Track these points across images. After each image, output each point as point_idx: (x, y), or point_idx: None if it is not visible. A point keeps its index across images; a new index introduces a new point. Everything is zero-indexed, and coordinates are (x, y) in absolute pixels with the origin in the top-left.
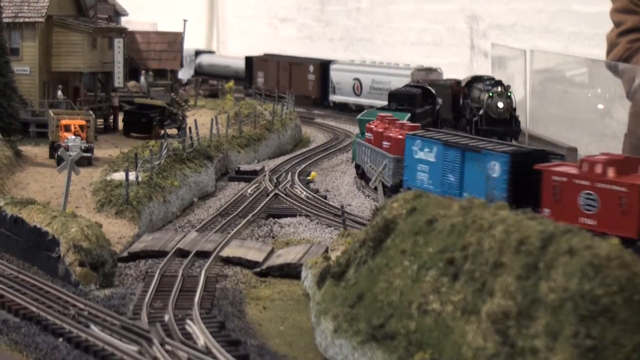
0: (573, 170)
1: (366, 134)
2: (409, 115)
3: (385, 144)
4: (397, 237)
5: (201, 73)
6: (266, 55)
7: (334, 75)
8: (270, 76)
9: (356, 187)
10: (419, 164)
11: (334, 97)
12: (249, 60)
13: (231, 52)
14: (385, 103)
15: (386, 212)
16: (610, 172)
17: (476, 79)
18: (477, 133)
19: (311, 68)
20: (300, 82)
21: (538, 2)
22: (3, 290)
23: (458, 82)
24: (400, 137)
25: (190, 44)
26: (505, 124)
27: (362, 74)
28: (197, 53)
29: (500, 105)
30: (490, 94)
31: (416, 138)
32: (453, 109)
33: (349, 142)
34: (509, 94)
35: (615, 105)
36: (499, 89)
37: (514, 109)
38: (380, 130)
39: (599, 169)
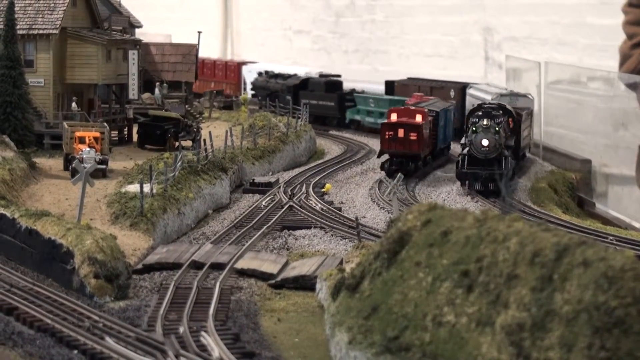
0: None
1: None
2: None
3: None
4: (412, 248)
5: None
6: (409, 79)
7: (468, 99)
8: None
9: (371, 199)
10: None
11: None
12: (389, 84)
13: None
14: None
15: (401, 224)
16: None
17: (479, 108)
18: (459, 177)
19: (452, 92)
20: None
21: (552, 14)
22: (18, 302)
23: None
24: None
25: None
26: (490, 165)
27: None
28: (322, 75)
29: (485, 142)
30: (474, 129)
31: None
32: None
33: (363, 154)
34: (498, 128)
35: (629, 117)
36: (486, 122)
37: (506, 146)
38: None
39: None
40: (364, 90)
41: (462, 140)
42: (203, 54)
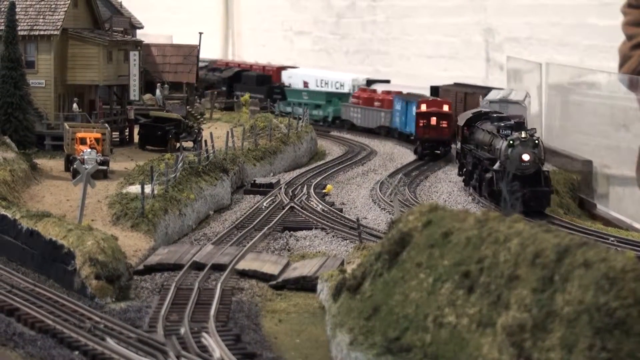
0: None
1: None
2: None
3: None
4: (413, 249)
5: None
6: (456, 84)
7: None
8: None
9: (372, 200)
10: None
11: None
12: (434, 90)
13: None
14: None
15: (402, 225)
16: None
17: (481, 116)
18: (492, 196)
19: (481, 98)
20: None
21: (553, 15)
22: (19, 303)
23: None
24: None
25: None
26: (531, 182)
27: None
28: (370, 82)
29: (526, 157)
30: (512, 142)
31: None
32: (457, 155)
33: (364, 155)
34: (537, 140)
35: (630, 118)
36: (523, 134)
37: (543, 161)
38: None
39: None
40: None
41: (457, 147)
42: (239, 58)
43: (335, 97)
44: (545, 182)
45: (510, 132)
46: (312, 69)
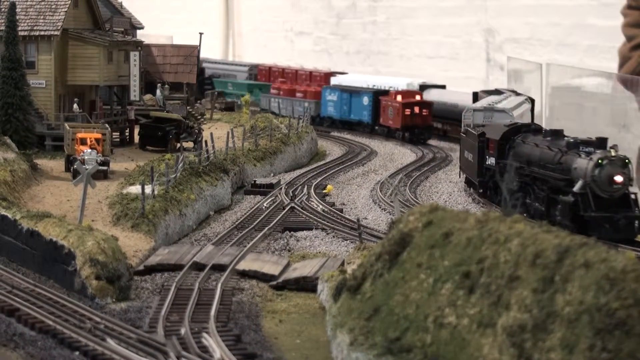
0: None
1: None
2: None
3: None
4: (413, 250)
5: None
6: (497, 90)
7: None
8: None
9: (372, 200)
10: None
11: None
12: (475, 94)
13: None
14: None
15: (402, 226)
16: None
17: (521, 129)
18: (576, 222)
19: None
20: None
21: (554, 15)
22: (19, 303)
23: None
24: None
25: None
26: (619, 206)
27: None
28: (423, 87)
29: (619, 179)
30: (600, 161)
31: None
32: (479, 172)
33: (364, 155)
34: (626, 159)
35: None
36: (613, 152)
37: (631, 182)
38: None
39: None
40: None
41: (486, 162)
42: (275, 61)
43: (256, 88)
44: (635, 205)
45: (592, 149)
46: (362, 74)
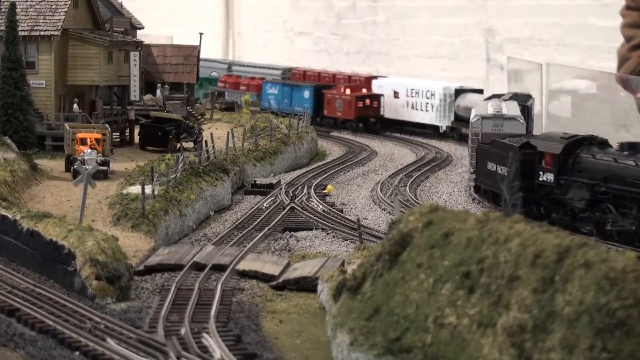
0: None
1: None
2: None
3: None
4: (414, 250)
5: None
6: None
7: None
8: None
9: (372, 200)
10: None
11: None
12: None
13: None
14: None
15: (402, 226)
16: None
17: (583, 142)
18: None
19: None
20: None
21: (554, 16)
22: (20, 303)
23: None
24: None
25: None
26: None
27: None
28: (459, 92)
29: None
30: None
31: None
32: (522, 188)
33: (365, 156)
34: None
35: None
36: None
37: None
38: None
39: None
40: None
41: (545, 179)
42: (308, 65)
43: (205, 81)
44: None
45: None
46: (402, 77)
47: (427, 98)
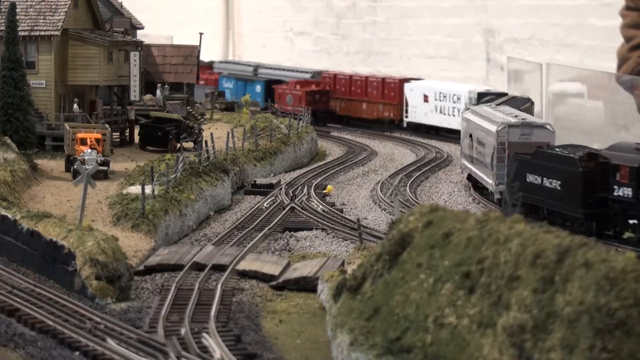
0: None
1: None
2: None
3: None
4: (414, 250)
5: None
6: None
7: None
8: None
9: (372, 200)
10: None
11: None
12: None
13: None
14: None
15: (402, 226)
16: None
17: None
18: None
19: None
20: None
21: (554, 16)
22: (20, 303)
23: (592, 155)
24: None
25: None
26: None
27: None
28: (482, 95)
29: None
30: None
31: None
32: (586, 203)
33: (365, 156)
34: None
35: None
36: None
37: None
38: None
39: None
40: None
41: (621, 194)
42: (337, 68)
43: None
44: None
45: None
46: (433, 80)
47: (454, 102)
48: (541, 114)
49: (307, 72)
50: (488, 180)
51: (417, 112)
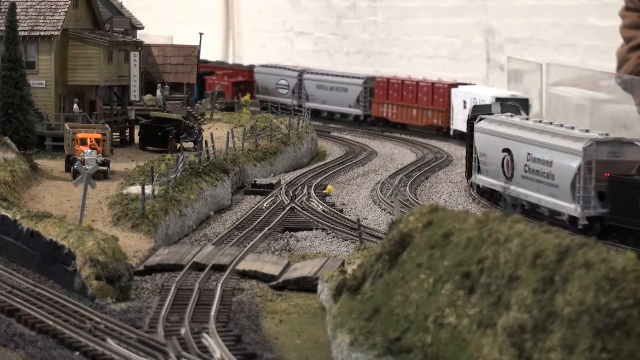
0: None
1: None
2: None
3: None
4: (414, 250)
5: None
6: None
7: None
8: None
9: (372, 200)
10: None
11: None
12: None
13: None
14: None
15: (402, 226)
16: None
17: None
18: None
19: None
20: None
21: (554, 16)
22: (20, 303)
23: None
24: None
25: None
26: None
27: None
28: (500, 99)
29: None
30: None
31: None
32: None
33: (365, 156)
34: None
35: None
36: None
37: None
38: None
39: None
40: None
41: None
42: (383, 72)
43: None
44: None
45: None
46: (473, 86)
47: None
48: (541, 115)
49: (359, 78)
50: (564, 205)
51: (459, 120)
